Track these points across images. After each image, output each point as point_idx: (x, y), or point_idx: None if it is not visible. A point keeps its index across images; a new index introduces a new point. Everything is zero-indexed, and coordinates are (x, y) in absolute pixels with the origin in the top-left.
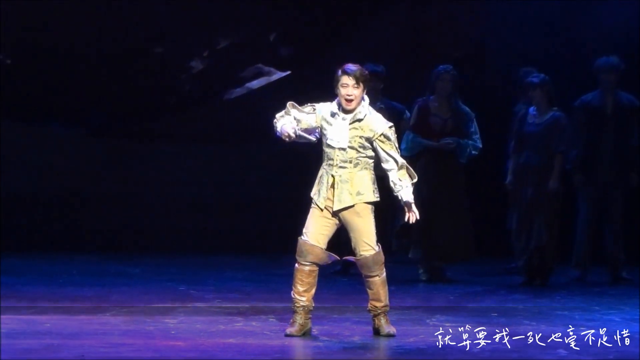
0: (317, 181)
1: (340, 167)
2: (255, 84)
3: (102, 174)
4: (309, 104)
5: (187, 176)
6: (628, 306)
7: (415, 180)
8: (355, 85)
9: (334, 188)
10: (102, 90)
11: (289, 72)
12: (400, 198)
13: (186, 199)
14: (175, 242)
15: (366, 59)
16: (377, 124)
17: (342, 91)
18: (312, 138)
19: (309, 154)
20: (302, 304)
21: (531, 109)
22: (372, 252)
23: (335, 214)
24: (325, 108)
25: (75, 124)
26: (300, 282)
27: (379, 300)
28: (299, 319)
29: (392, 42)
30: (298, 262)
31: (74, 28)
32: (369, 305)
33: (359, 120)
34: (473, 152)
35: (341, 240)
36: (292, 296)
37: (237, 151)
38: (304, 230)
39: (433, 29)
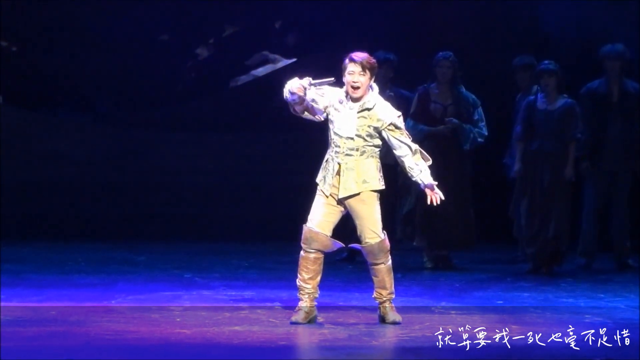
0: (322, 167)
1: (347, 154)
2: (261, 71)
3: (107, 162)
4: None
5: (192, 164)
6: (633, 293)
7: (430, 162)
8: (362, 73)
9: (339, 175)
10: (108, 78)
11: (295, 60)
12: (420, 182)
13: (192, 187)
14: (181, 229)
15: (373, 47)
16: (386, 113)
17: (349, 78)
18: (320, 118)
19: (315, 141)
20: (307, 291)
21: (540, 95)
22: (378, 239)
23: (340, 201)
24: (334, 94)
25: (81, 111)
26: (305, 270)
27: (384, 287)
28: (305, 306)
29: (398, 30)
30: (303, 250)
31: (80, 15)
32: (375, 292)
33: (368, 109)
34: (479, 139)
35: (348, 228)
36: (298, 283)
37: (243, 138)
38: (309, 217)
39: (439, 16)
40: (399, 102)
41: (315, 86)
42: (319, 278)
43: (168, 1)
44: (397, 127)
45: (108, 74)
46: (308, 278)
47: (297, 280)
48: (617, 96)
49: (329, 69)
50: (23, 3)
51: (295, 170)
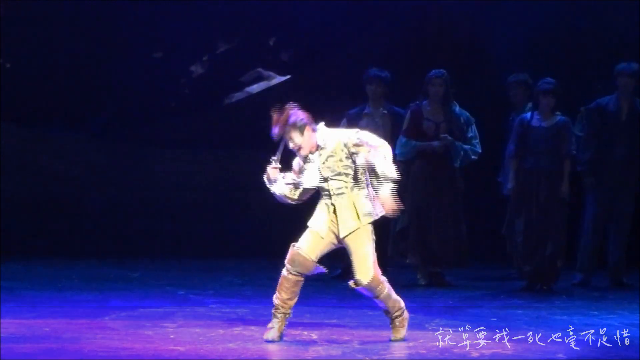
0: (317, 211)
1: (338, 194)
2: (255, 88)
3: (102, 178)
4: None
5: (186, 180)
6: (627, 311)
7: (399, 178)
8: (290, 137)
9: (336, 214)
10: (103, 94)
11: (289, 77)
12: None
13: (185, 203)
14: (174, 246)
15: (366, 64)
16: (341, 139)
17: (291, 146)
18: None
19: None
20: (283, 311)
21: (534, 113)
22: (369, 277)
23: (337, 236)
24: (296, 161)
25: (75, 127)
26: (285, 290)
27: (391, 308)
28: (278, 324)
29: (392, 47)
30: (287, 270)
31: (75, 32)
32: (384, 311)
33: (324, 148)
34: (472, 156)
35: (342, 249)
36: (275, 302)
37: (237, 155)
38: (301, 240)
39: (434, 34)
40: (393, 120)
41: (279, 154)
42: (296, 299)
43: (162, 19)
44: (359, 145)
45: (103, 90)
46: (287, 299)
47: (275, 298)
48: (626, 114)
49: (322, 86)
50: (18, 21)
51: None
